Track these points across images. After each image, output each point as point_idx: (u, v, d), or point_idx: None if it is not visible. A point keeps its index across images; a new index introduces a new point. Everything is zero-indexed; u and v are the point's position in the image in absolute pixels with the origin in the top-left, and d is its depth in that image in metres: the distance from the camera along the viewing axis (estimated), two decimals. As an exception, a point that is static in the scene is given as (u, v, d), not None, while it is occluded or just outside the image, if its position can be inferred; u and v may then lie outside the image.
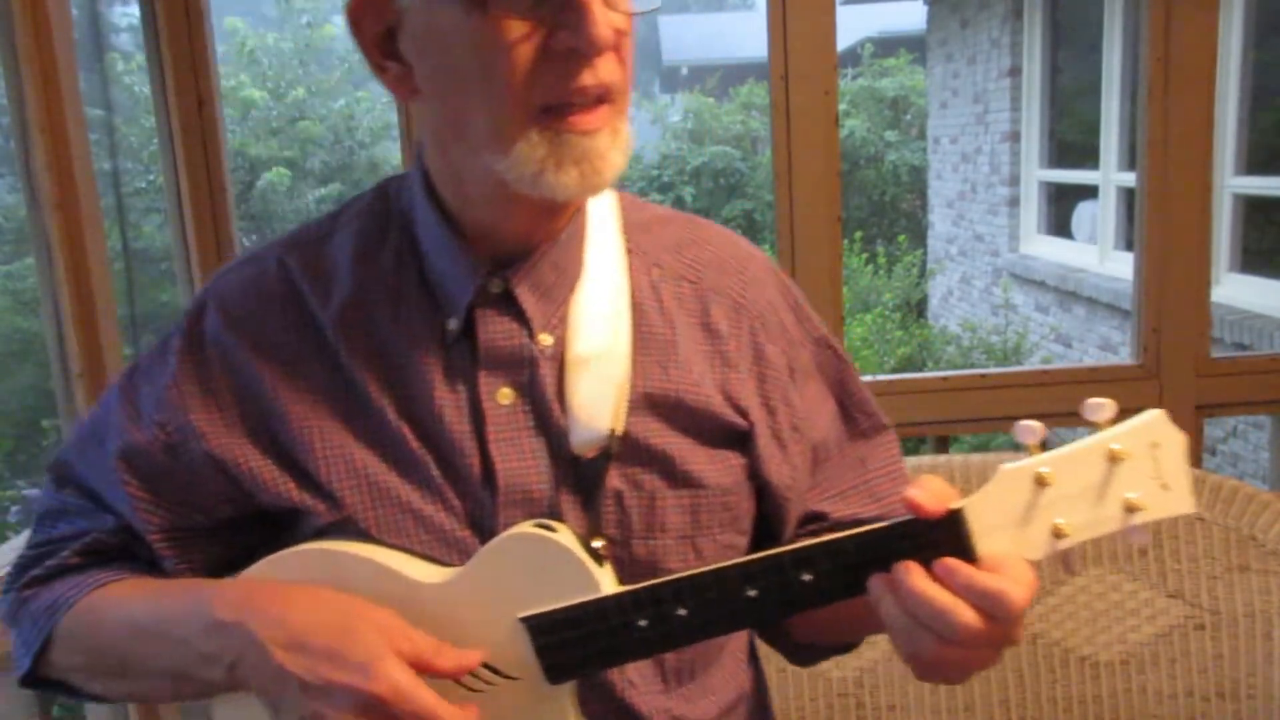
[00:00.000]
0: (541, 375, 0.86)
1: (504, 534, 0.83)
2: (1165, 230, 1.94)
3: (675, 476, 0.88)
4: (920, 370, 6.93)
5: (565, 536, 0.82)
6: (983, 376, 2.03)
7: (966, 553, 0.74)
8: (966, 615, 0.72)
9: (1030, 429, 0.74)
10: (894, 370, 6.94)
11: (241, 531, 0.92)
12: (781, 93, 1.88)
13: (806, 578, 0.77)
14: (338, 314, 0.88)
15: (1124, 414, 0.76)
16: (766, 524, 0.96)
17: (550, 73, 0.77)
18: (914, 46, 10.89)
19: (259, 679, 0.79)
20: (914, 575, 0.73)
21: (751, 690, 1.02)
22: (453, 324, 0.87)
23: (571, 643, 0.81)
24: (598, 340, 0.87)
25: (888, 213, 11.06)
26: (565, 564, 0.81)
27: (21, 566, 0.94)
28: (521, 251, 0.87)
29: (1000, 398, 2.00)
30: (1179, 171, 1.92)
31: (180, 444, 0.88)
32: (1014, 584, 0.72)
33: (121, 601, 0.88)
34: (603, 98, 0.79)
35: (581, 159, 0.79)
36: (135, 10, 2.63)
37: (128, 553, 0.93)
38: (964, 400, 1.99)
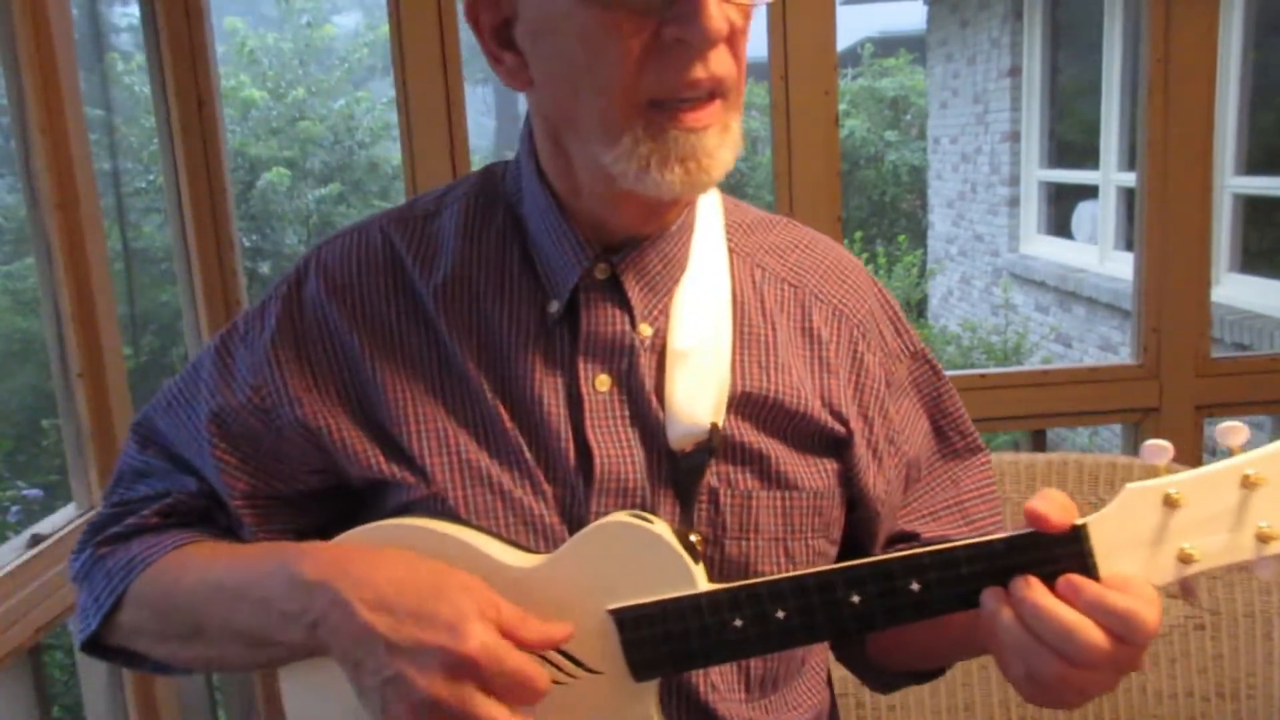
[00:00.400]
0: (640, 365, 0.85)
1: (598, 521, 0.80)
2: (1165, 230, 1.94)
3: (770, 477, 0.86)
4: (920, 370, 6.90)
5: (661, 528, 0.79)
6: (983, 376, 2.03)
7: (1088, 572, 0.71)
8: (1094, 635, 0.68)
9: (1160, 448, 0.71)
10: (894, 370, 6.92)
11: (326, 504, 0.91)
12: (781, 93, 1.88)
13: (915, 586, 0.74)
14: (440, 288, 0.87)
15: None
16: (854, 538, 0.94)
17: (660, 66, 0.75)
18: (914, 46, 10.88)
19: (341, 640, 0.76)
20: (1037, 590, 0.70)
21: (828, 712, 1.00)
22: (554, 306, 0.86)
23: (661, 639, 0.77)
24: (699, 335, 0.86)
25: (888, 213, 11.05)
26: (660, 556, 0.78)
27: (98, 525, 0.93)
28: (629, 241, 0.87)
29: (1000, 398, 2.00)
30: (1179, 171, 1.92)
31: (274, 408, 0.87)
32: (1145, 605, 0.69)
33: (201, 562, 0.87)
34: (714, 92, 0.77)
35: (687, 156, 0.77)
36: (135, 10, 2.63)
37: (208, 517, 0.92)
38: (964, 400, 1.98)
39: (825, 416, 0.88)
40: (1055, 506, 0.71)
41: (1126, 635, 0.69)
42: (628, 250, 0.86)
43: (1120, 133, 5.34)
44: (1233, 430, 0.71)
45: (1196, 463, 1.94)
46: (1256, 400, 2.00)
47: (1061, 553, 0.71)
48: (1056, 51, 6.28)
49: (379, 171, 10.03)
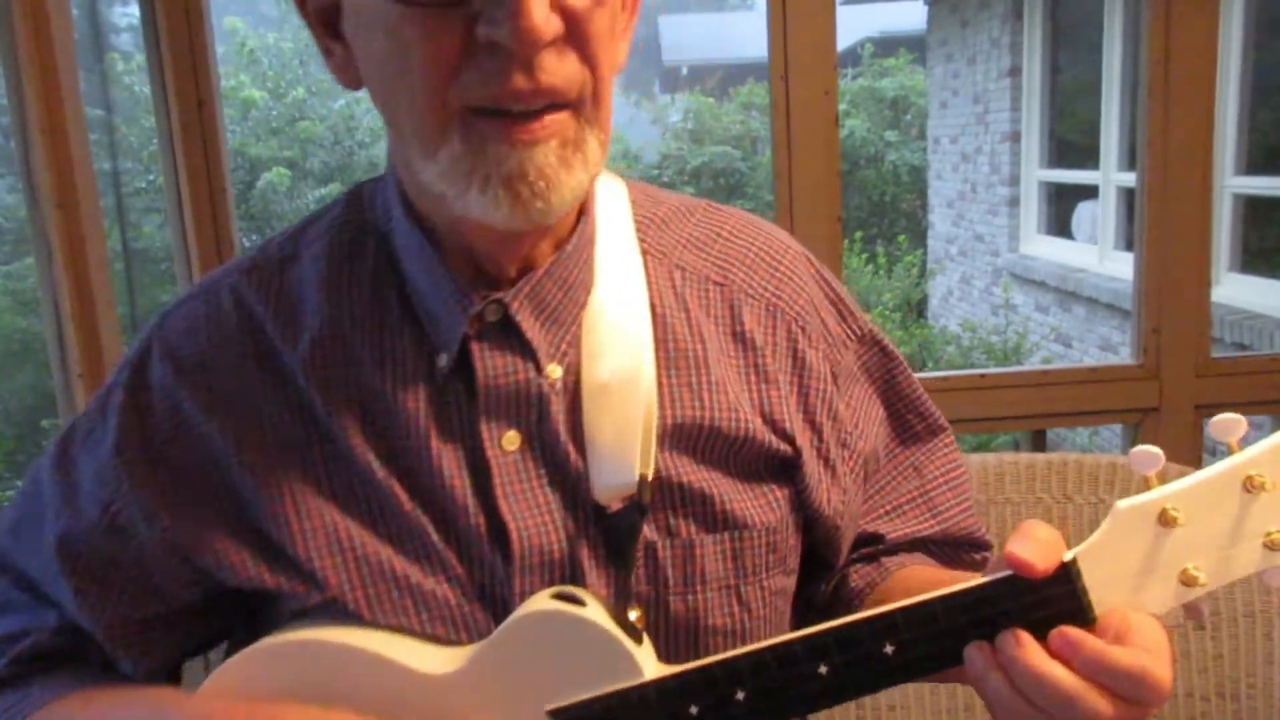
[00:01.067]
0: (553, 414, 0.73)
1: (520, 612, 0.70)
2: (1165, 230, 1.94)
3: (714, 518, 0.76)
4: (920, 370, 6.91)
5: (595, 611, 0.69)
6: (983, 376, 2.03)
7: (1081, 613, 0.62)
8: (1099, 702, 0.59)
9: (1149, 456, 0.63)
10: (894, 370, 6.92)
11: (210, 615, 0.79)
12: (781, 93, 1.88)
13: (888, 649, 0.65)
14: (308, 354, 0.73)
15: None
16: (816, 554, 0.85)
17: (476, 69, 0.62)
18: (914, 46, 10.88)
19: None
20: (1028, 650, 0.61)
21: None
22: (443, 360, 0.73)
23: None
24: (617, 364, 0.74)
25: (888, 213, 11.05)
26: (598, 644, 0.68)
27: None
28: (518, 267, 0.73)
29: (1000, 398, 2.00)
30: (1179, 171, 1.92)
31: (129, 527, 0.74)
32: (1155, 658, 0.60)
33: None
34: (555, 103, 0.64)
35: (514, 177, 0.63)
36: (135, 10, 2.63)
37: (77, 654, 0.79)
38: (964, 400, 1.98)
39: (769, 437, 0.77)
40: (1037, 548, 0.61)
41: (1137, 697, 0.60)
42: (520, 282, 0.72)
43: (1120, 133, 5.34)
44: (1230, 423, 0.62)
45: (1197, 464, 1.93)
46: (1256, 400, 1.99)
47: (1051, 594, 0.62)
48: (1056, 51, 6.28)
49: (379, 171, 10.03)
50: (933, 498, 0.89)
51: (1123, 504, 0.63)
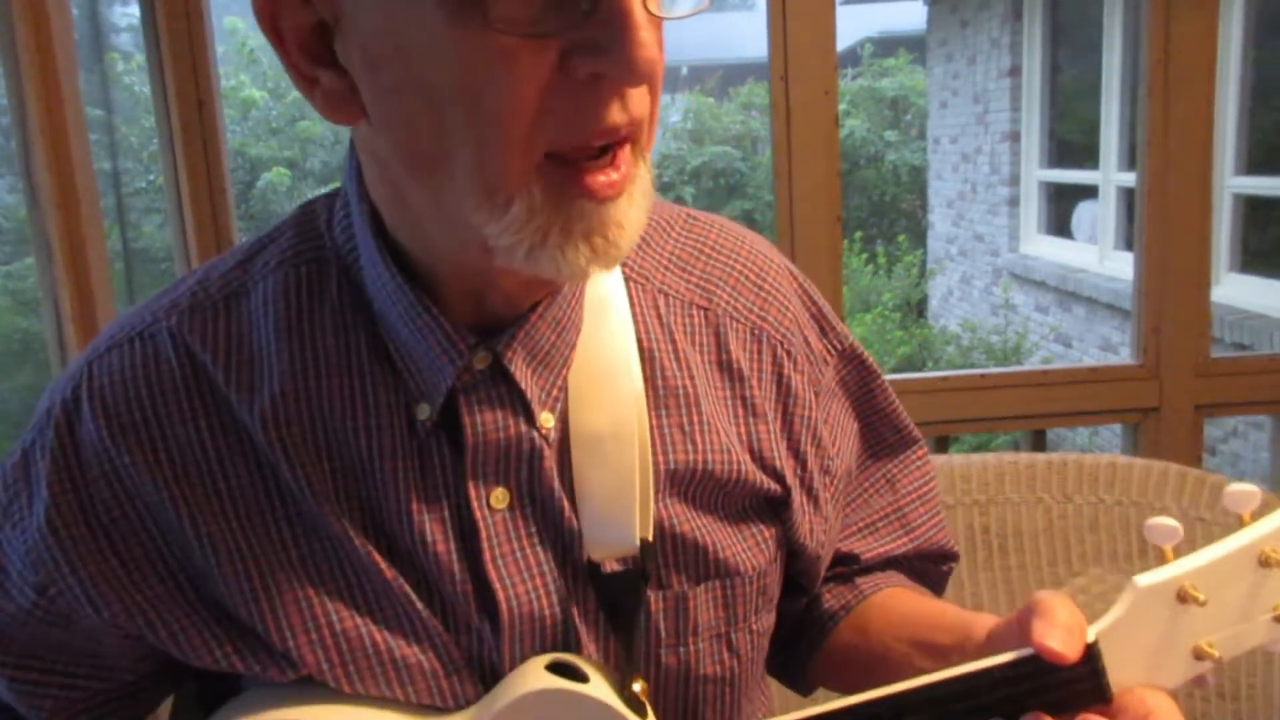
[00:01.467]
0: (545, 467, 0.67)
1: (516, 690, 0.65)
2: (1165, 230, 1.94)
3: (705, 567, 0.72)
4: (920, 370, 6.92)
5: (597, 687, 0.65)
6: (983, 376, 2.03)
7: (1100, 692, 0.61)
8: None
9: (1168, 530, 0.63)
10: (894, 370, 6.94)
11: (162, 684, 0.74)
12: (781, 93, 1.88)
13: None
14: (267, 410, 0.65)
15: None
16: (793, 580, 0.83)
17: (566, 109, 0.56)
18: (914, 46, 10.88)
19: None
20: None
21: None
22: (426, 412, 0.66)
23: None
24: (608, 410, 0.69)
25: (888, 213, 11.05)
26: None
27: None
28: (511, 310, 0.67)
29: (1000, 398, 2.00)
30: (1179, 171, 1.92)
31: (69, 610, 0.66)
32: None
33: None
34: (626, 138, 0.59)
35: (594, 231, 0.59)
36: (135, 10, 2.63)
37: None
38: (964, 400, 1.98)
39: (759, 476, 0.74)
40: (1067, 636, 0.59)
41: None
42: (514, 327, 0.66)
43: (1120, 133, 5.34)
44: (1244, 496, 0.63)
45: (1196, 464, 1.93)
46: (1256, 400, 2.00)
47: (1071, 675, 0.61)
48: (1056, 51, 6.28)
49: (379, 171, 10.04)
50: (906, 514, 0.88)
51: (1142, 581, 0.62)
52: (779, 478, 0.76)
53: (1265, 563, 0.62)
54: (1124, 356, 4.82)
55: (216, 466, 0.66)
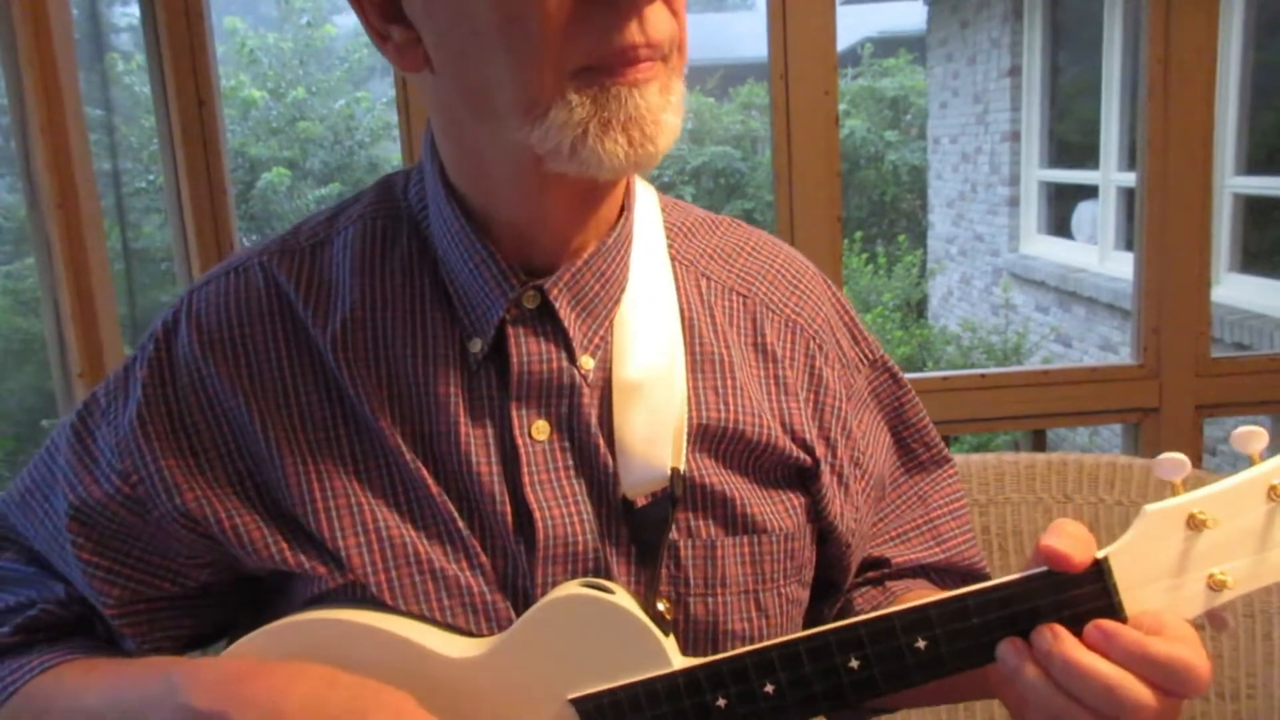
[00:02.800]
0: (584, 405, 0.73)
1: (548, 596, 0.69)
2: (1165, 230, 1.94)
3: (735, 522, 0.76)
4: (920, 370, 6.92)
5: (623, 598, 0.68)
6: (983, 376, 2.03)
7: (1112, 611, 0.63)
8: (1139, 691, 0.60)
9: (1176, 462, 0.64)
10: (894, 370, 6.92)
11: (219, 602, 0.79)
12: (781, 93, 1.88)
13: (920, 644, 0.64)
14: (338, 335, 0.73)
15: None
16: (824, 574, 0.85)
17: (590, 29, 0.63)
18: (914, 46, 10.88)
19: None
20: (1066, 642, 0.61)
21: None
22: (478, 345, 0.73)
23: None
24: (648, 362, 0.74)
25: (888, 213, 11.05)
26: (625, 632, 0.68)
27: None
28: (559, 256, 0.74)
29: (1000, 398, 2.00)
30: (1179, 171, 1.92)
31: (147, 498, 0.73)
32: (1193, 650, 0.61)
33: (73, 689, 0.73)
34: (652, 57, 0.65)
35: (630, 121, 0.64)
36: (135, 10, 2.63)
37: (84, 625, 0.79)
38: (964, 400, 1.98)
39: (789, 445, 0.78)
40: (1074, 542, 0.62)
41: (1175, 687, 0.60)
42: (560, 270, 0.74)
43: (1120, 133, 5.34)
44: (1251, 435, 0.64)
45: (1196, 463, 1.93)
46: (1256, 400, 2.00)
47: (1081, 593, 0.63)
48: (1056, 51, 6.28)
49: (379, 171, 10.01)
50: (937, 526, 0.90)
51: (1151, 507, 0.63)
52: (808, 449, 0.79)
53: (1274, 495, 0.63)
54: (1124, 356, 4.82)
55: (290, 381, 0.74)
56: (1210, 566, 0.64)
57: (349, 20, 11.47)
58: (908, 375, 0.93)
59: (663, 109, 0.66)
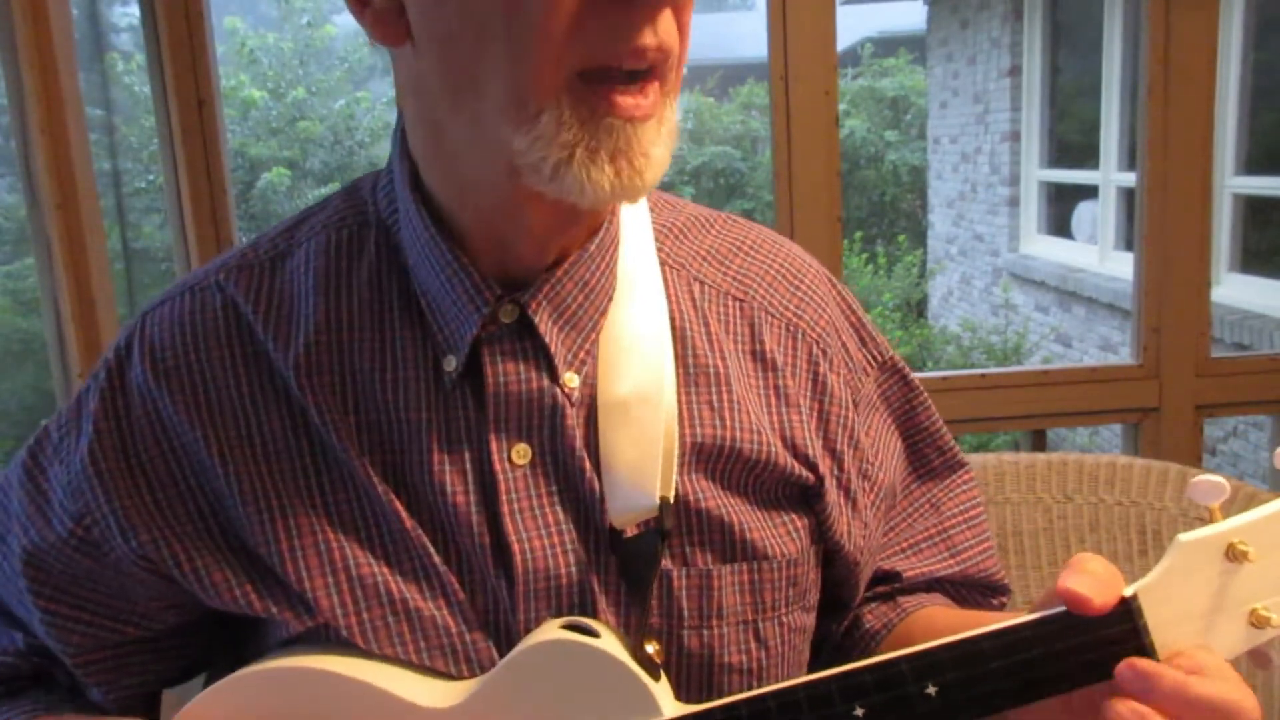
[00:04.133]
0: (567, 426, 0.68)
1: (528, 641, 0.65)
2: (1165, 230, 1.94)
3: (732, 548, 0.71)
4: (920, 370, 6.91)
5: (609, 642, 0.64)
6: (983, 376, 2.03)
7: (1143, 654, 0.58)
8: None
9: (1213, 487, 0.58)
10: (894, 370, 6.93)
11: (189, 641, 0.75)
12: (781, 93, 1.87)
13: (930, 690, 0.59)
14: (301, 358, 0.68)
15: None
16: (832, 591, 0.81)
17: (599, 27, 0.58)
18: (914, 46, 10.88)
19: None
20: (1118, 706, 0.55)
21: None
22: (452, 364, 0.68)
23: None
24: (637, 378, 0.69)
25: (888, 213, 11.05)
26: (613, 679, 0.63)
27: None
28: (538, 264, 0.69)
29: (1000, 398, 2.00)
30: (1179, 171, 1.92)
31: (102, 540, 0.68)
32: (1238, 688, 0.55)
33: None
34: (655, 69, 0.61)
35: (620, 153, 0.60)
36: (135, 10, 2.63)
37: (44, 677, 0.75)
38: (964, 400, 1.98)
39: (790, 462, 0.73)
40: (1094, 583, 0.56)
41: None
42: (540, 281, 0.68)
43: (1120, 133, 5.34)
44: (1211, 487, 0.59)
45: (1196, 464, 1.93)
46: (1256, 400, 1.99)
47: (1109, 634, 0.58)
48: (1056, 51, 6.28)
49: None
50: (951, 536, 0.85)
51: (1185, 537, 0.58)
52: (811, 466, 0.74)
53: None
54: (1124, 356, 4.82)
55: (250, 410, 0.68)
56: (1252, 602, 0.58)
57: (349, 20, 11.46)
58: (908, 375, 0.89)
59: (654, 143, 0.62)
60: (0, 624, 0.75)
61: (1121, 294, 4.88)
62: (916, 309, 8.88)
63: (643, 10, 0.59)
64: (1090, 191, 5.70)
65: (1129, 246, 5.00)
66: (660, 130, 0.63)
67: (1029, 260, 6.42)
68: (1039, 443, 2.10)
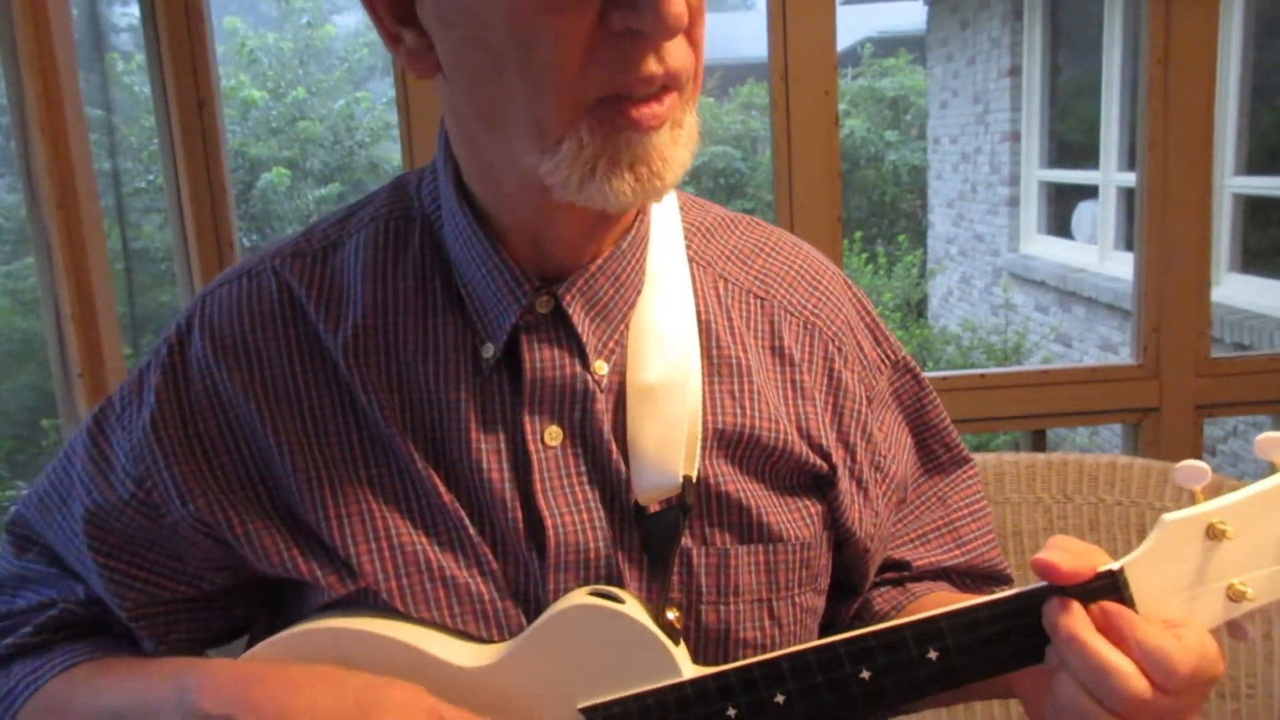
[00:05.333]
0: (597, 411, 0.73)
1: (558, 606, 0.69)
2: (1165, 230, 1.94)
3: (749, 530, 0.75)
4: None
5: (634, 608, 0.68)
6: (983, 376, 2.03)
7: None
8: (1134, 682, 0.60)
9: (1196, 471, 0.63)
10: (894, 370, 6.92)
11: (236, 603, 0.79)
12: (781, 93, 1.88)
13: (932, 655, 0.64)
14: (350, 340, 0.73)
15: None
16: (843, 579, 0.85)
17: (608, 60, 0.62)
18: (914, 46, 10.88)
19: None
20: (1075, 617, 0.62)
21: None
22: (490, 351, 0.73)
23: None
24: (664, 366, 0.73)
25: (888, 213, 11.05)
26: (636, 642, 0.68)
27: None
28: (573, 260, 0.73)
29: (1000, 398, 2.00)
30: (1179, 171, 1.92)
31: (161, 504, 0.73)
32: (1185, 649, 0.60)
33: (90, 688, 0.74)
34: (669, 87, 0.65)
35: (639, 160, 0.65)
36: (135, 10, 2.64)
37: (102, 624, 0.80)
38: (964, 400, 1.98)
39: (805, 451, 0.77)
40: (1067, 556, 0.62)
41: (1158, 678, 0.60)
42: (574, 275, 0.73)
43: (1120, 133, 5.34)
44: (1274, 442, 0.63)
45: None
46: (1256, 400, 1.99)
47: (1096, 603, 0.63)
48: (1056, 51, 6.28)
49: (379, 171, 10.04)
50: (958, 528, 0.89)
51: (1170, 517, 0.63)
52: (825, 455, 0.78)
53: None
54: (1124, 356, 4.82)
55: (302, 387, 0.73)
56: (1230, 577, 0.63)
57: (349, 20, 11.47)
58: (911, 374, 0.91)
59: (673, 146, 0.66)
60: (64, 577, 0.79)
61: (1121, 294, 4.88)
62: (916, 309, 8.88)
63: (649, 42, 0.62)
64: (1090, 191, 5.70)
65: (1129, 246, 5.00)
66: (677, 134, 0.66)
67: (1029, 260, 6.42)
68: (1039, 443, 2.10)
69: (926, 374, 0.92)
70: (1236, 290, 4.30)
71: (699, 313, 0.78)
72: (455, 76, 0.67)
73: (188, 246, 2.01)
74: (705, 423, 0.75)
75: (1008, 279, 6.71)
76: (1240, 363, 2.05)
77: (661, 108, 0.64)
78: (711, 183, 11.12)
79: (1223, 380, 1.98)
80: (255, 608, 0.80)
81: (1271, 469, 0.64)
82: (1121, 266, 5.12)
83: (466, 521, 0.71)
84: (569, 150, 0.64)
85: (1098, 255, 5.53)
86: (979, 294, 7.42)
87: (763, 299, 0.81)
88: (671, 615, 0.71)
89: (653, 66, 0.63)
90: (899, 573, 0.88)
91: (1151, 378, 1.97)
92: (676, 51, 0.64)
